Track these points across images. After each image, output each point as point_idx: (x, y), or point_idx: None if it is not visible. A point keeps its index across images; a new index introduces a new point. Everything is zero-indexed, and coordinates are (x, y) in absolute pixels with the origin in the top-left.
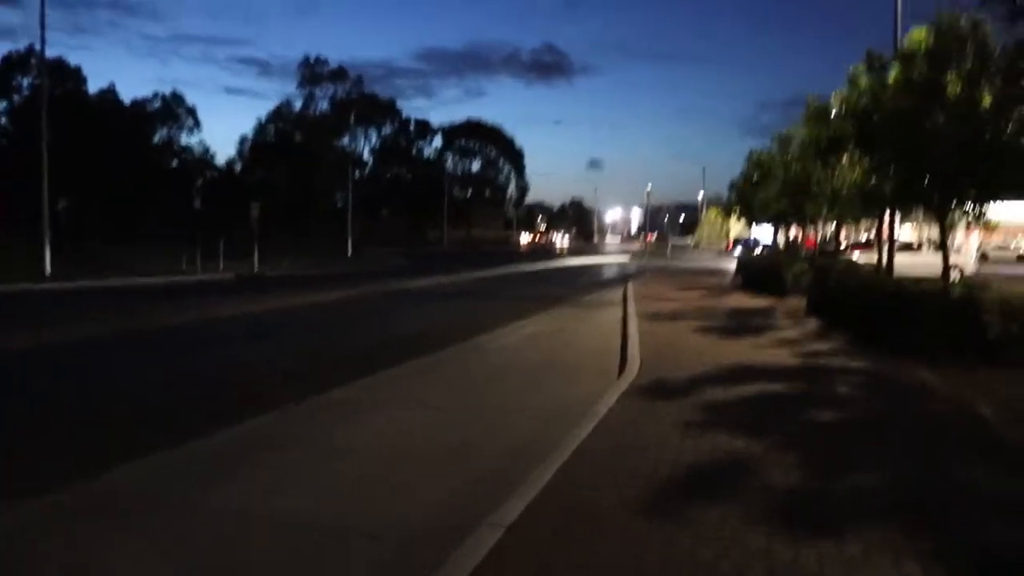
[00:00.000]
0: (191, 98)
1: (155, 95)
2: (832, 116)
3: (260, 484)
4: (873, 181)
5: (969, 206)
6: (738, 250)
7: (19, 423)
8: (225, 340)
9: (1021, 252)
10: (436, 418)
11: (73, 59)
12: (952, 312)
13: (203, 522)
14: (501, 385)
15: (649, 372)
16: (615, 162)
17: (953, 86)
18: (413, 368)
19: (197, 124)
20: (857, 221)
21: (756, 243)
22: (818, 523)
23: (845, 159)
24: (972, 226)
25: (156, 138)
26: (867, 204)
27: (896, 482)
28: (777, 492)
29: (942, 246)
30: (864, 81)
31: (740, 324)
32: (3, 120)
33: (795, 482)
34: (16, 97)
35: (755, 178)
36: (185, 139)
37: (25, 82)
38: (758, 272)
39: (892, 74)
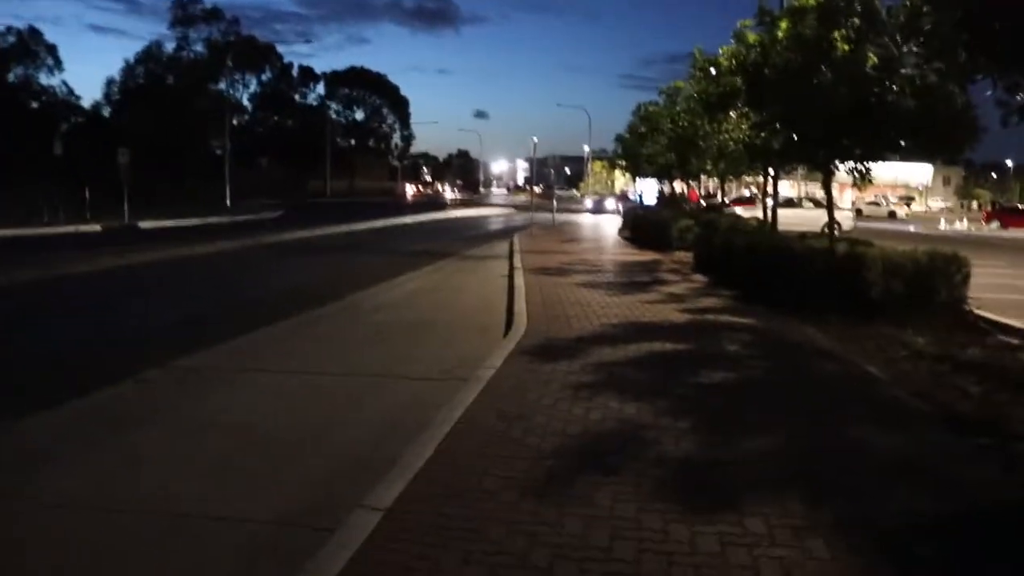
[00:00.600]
0: (52, 36)
1: (8, 29)
2: (720, 71)
3: (99, 468)
4: (761, 136)
5: (852, 164)
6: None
7: None
8: (79, 300)
9: (891, 209)
10: (307, 385)
11: None
12: (836, 270)
13: (24, 511)
14: (380, 347)
15: (536, 331)
16: (501, 114)
17: (841, 44)
18: (286, 329)
19: (58, 64)
20: (740, 177)
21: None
22: (716, 498)
23: (733, 114)
24: (852, 184)
25: (11, 77)
26: (753, 160)
27: (792, 449)
28: (672, 464)
29: (828, 203)
30: (751, 36)
31: (627, 280)
32: None
33: (689, 452)
34: None
35: (642, 131)
36: (45, 79)
37: None
38: (644, 227)
39: (781, 29)
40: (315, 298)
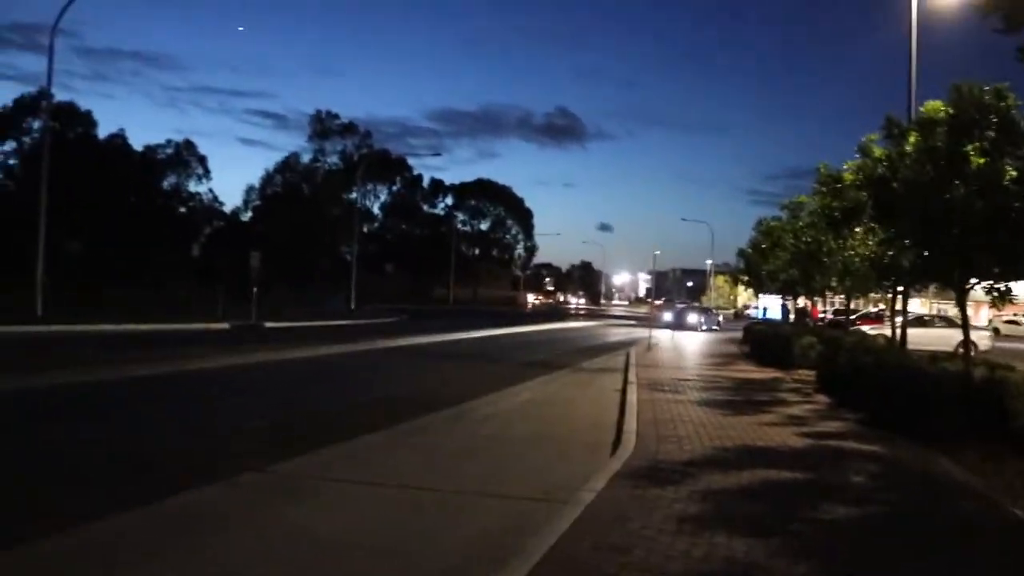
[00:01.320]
0: (205, 148)
1: (168, 142)
2: (845, 185)
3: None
4: (890, 254)
5: (989, 282)
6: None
7: None
8: (194, 396)
9: None
10: (401, 499)
11: (95, 107)
12: (974, 396)
13: None
14: (482, 461)
15: (645, 451)
16: (624, 227)
17: (976, 156)
18: (390, 436)
19: (207, 172)
20: (866, 293)
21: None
22: None
23: (859, 230)
24: (991, 304)
25: (165, 184)
26: (882, 277)
27: None
28: None
29: (963, 323)
30: (878, 150)
31: (745, 398)
32: (13, 162)
33: None
34: (27, 140)
35: (763, 246)
36: (194, 187)
37: (35, 125)
38: (766, 342)
39: (910, 142)
40: (424, 405)
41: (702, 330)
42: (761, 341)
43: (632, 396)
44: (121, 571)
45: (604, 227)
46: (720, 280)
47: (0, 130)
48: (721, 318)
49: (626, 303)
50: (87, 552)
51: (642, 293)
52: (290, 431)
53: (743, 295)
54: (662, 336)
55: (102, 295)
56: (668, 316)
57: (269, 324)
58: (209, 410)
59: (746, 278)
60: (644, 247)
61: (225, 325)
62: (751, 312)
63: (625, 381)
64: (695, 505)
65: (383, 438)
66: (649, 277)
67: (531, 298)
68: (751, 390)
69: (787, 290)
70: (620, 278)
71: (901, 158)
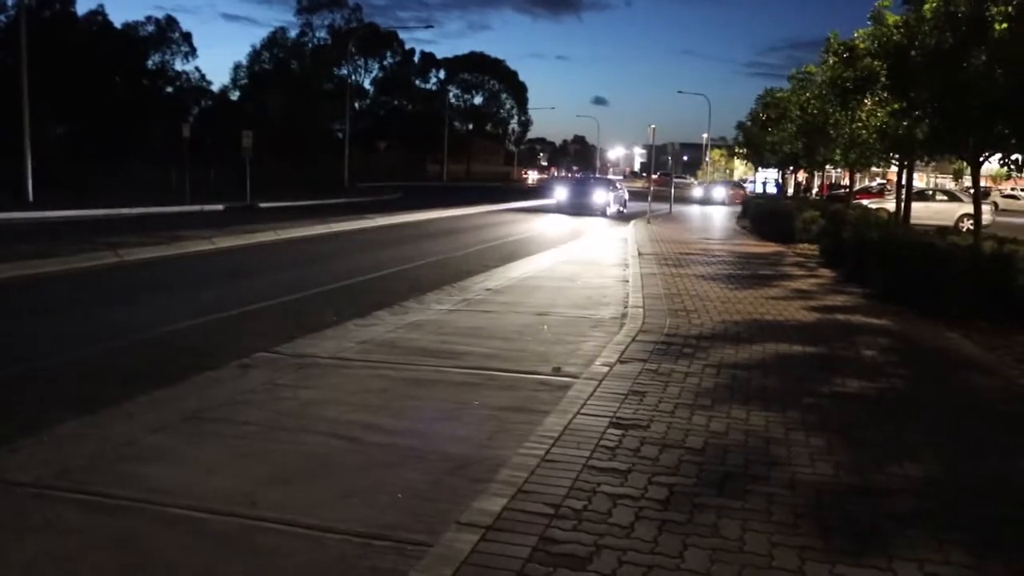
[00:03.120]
0: (187, 25)
1: (148, 19)
2: (857, 54)
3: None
4: (904, 124)
5: (1004, 154)
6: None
7: None
8: (201, 278)
9: None
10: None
11: None
12: (984, 270)
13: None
14: (485, 340)
15: (653, 326)
16: (619, 100)
17: (999, 23)
18: (384, 322)
19: (192, 50)
20: (869, 167)
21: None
22: (860, 534)
23: (868, 101)
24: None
25: (149, 63)
26: (891, 149)
27: (948, 477)
28: (807, 490)
29: (975, 197)
30: (891, 17)
31: (749, 272)
32: None
33: (826, 476)
34: (2, 18)
35: (765, 118)
36: (180, 65)
37: (8, 2)
38: (767, 217)
39: (928, 7)
40: (406, 290)
41: (608, 214)
42: (762, 216)
43: (635, 270)
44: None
45: (599, 101)
46: (716, 154)
47: None
48: (627, 194)
49: (621, 178)
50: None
51: (637, 168)
52: (294, 316)
53: (740, 169)
54: (659, 208)
55: (90, 179)
56: (698, 193)
57: (263, 204)
58: (218, 293)
59: (744, 151)
60: (640, 122)
61: (219, 206)
62: (747, 187)
63: (627, 257)
64: (709, 379)
65: (374, 319)
66: (645, 152)
67: (533, 174)
68: (755, 264)
69: (787, 163)
70: (615, 153)
71: (919, 24)
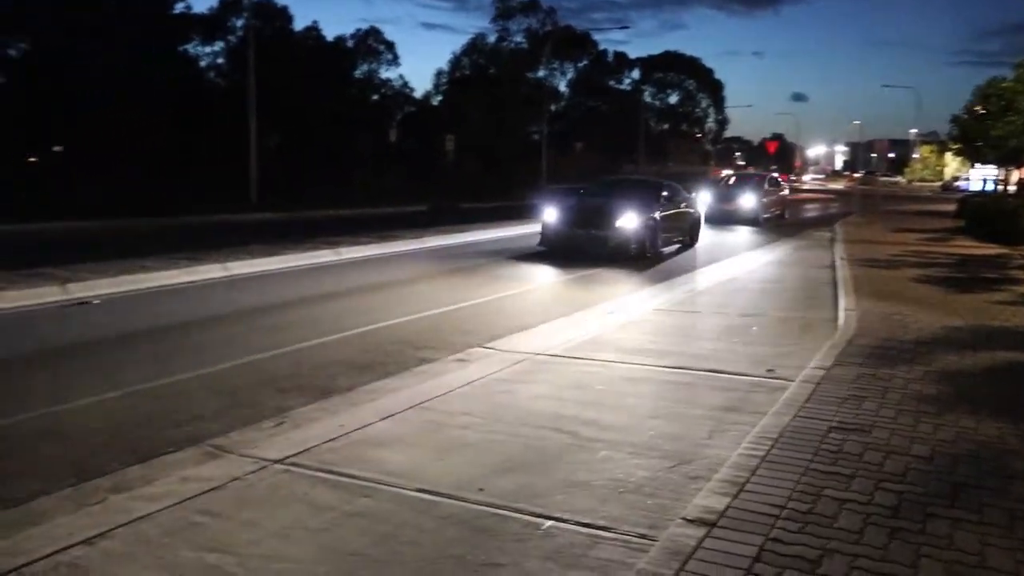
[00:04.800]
0: (390, 34)
1: (356, 31)
2: None
3: None
4: None
5: None
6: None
7: None
8: (400, 276)
9: None
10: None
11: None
12: None
13: None
14: (705, 341)
15: (868, 331)
16: (820, 96)
17: None
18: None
19: (395, 59)
20: None
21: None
22: None
23: None
24: None
25: (357, 73)
26: None
27: None
28: None
29: None
30: None
31: (970, 275)
32: (221, 61)
33: None
34: (232, 39)
35: (986, 111)
36: (384, 74)
37: (239, 24)
38: (987, 216)
39: None
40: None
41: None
42: (980, 215)
43: (845, 272)
44: None
45: (798, 97)
46: (926, 150)
47: (210, 32)
48: (786, 192)
49: (822, 176)
50: None
51: (839, 166)
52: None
53: (952, 166)
54: (864, 207)
55: (304, 183)
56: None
57: (465, 205)
58: (430, 289)
59: (958, 147)
60: (841, 118)
61: (423, 207)
62: (961, 184)
63: (834, 258)
64: (932, 386)
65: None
66: (847, 149)
67: (727, 173)
68: (975, 267)
69: (1010, 159)
70: (815, 150)
71: None
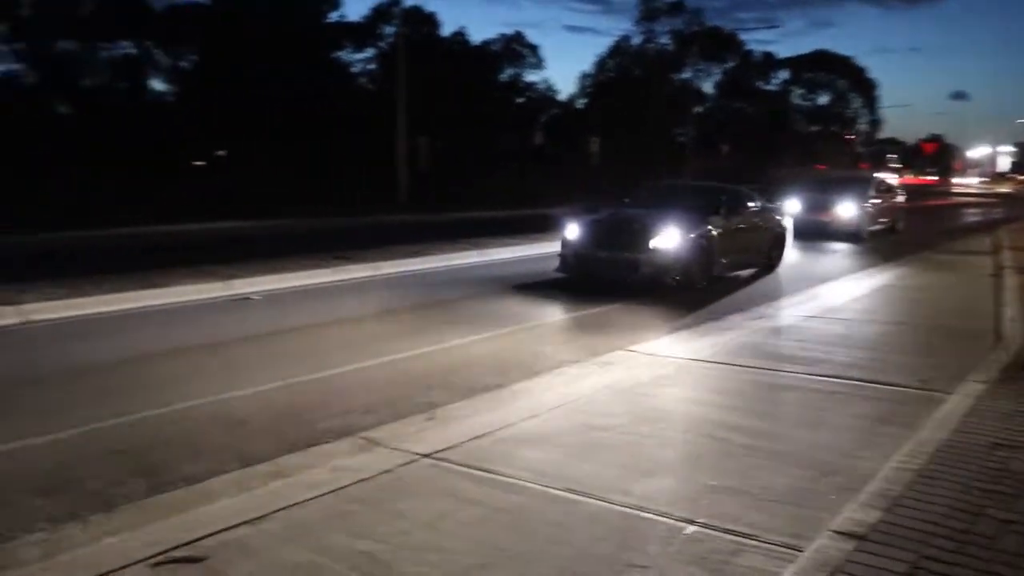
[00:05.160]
0: (533, 38)
1: (500, 36)
2: None
3: None
4: None
5: None
6: None
7: None
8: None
9: None
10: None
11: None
12: None
13: None
14: (843, 348)
15: None
16: (983, 94)
17: None
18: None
19: (539, 62)
20: None
21: None
22: None
23: None
24: None
25: (502, 76)
26: None
27: None
28: None
29: None
30: None
31: None
32: (372, 67)
33: None
34: (382, 45)
35: None
36: (529, 77)
37: (388, 31)
38: None
39: None
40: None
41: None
42: None
43: (1010, 281)
44: None
45: (958, 95)
46: None
47: (362, 39)
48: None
49: (987, 179)
50: None
51: (1006, 167)
52: None
53: None
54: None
55: (450, 186)
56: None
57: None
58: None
59: None
60: (1007, 116)
61: (566, 209)
62: None
63: (997, 266)
64: None
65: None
66: (1015, 149)
67: (887, 176)
68: None
69: None
70: (976, 152)
71: None
